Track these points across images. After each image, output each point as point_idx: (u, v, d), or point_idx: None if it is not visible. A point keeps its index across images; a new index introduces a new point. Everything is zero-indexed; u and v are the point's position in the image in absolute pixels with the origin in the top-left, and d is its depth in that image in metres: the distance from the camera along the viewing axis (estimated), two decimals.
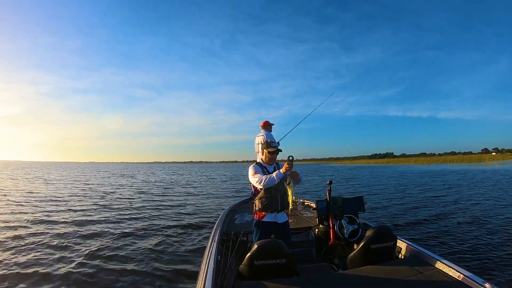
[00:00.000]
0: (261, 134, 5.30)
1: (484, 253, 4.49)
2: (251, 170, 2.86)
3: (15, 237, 5.63)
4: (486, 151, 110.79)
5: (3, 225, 6.73)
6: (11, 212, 8.24)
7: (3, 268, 4.13)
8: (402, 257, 2.74)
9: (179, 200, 11.36)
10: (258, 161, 3.41)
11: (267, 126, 5.41)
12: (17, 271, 4.00)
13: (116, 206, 9.67)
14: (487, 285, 1.91)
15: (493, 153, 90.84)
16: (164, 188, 16.51)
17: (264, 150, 2.98)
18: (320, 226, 3.32)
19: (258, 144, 5.34)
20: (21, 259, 4.44)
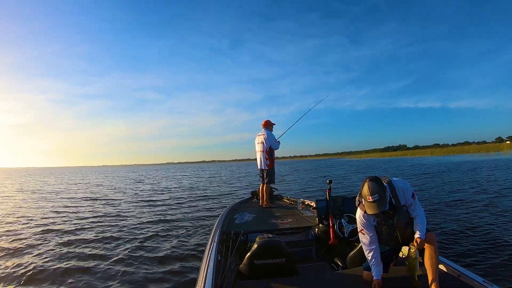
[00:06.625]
0: (262, 134, 5.31)
1: (485, 252, 4.23)
2: (358, 225, 2.15)
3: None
4: (500, 140, 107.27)
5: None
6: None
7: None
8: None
9: (179, 199, 11.36)
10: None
11: (269, 125, 5.41)
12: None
13: (118, 207, 9.78)
14: (485, 283, 1.89)
15: (507, 142, 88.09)
16: (168, 188, 16.60)
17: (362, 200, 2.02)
18: (320, 225, 3.32)
19: (258, 143, 5.34)
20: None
